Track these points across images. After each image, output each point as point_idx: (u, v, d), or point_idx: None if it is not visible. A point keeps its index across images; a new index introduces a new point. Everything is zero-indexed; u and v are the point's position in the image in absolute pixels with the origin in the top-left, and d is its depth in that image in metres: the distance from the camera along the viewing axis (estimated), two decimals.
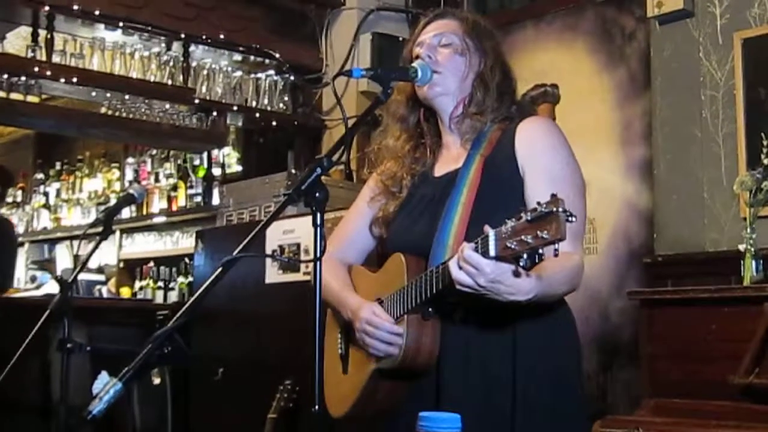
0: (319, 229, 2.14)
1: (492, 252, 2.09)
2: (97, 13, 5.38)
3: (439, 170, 2.71)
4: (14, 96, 5.34)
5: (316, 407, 2.07)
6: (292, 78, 6.21)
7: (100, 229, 3.31)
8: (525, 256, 2.03)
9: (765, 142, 4.24)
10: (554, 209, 1.95)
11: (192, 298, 2.11)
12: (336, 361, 2.78)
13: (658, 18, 4.63)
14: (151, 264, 7.54)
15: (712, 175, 4.41)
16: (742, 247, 3.91)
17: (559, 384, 2.50)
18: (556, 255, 1.99)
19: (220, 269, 2.10)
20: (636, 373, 4.34)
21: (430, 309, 2.45)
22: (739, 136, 4.32)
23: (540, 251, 2.00)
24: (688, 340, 3.78)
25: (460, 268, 2.16)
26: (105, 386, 1.90)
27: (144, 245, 8.02)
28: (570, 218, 1.94)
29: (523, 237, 2.01)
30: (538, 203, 1.99)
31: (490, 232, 2.09)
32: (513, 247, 2.04)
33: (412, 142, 2.78)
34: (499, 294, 2.18)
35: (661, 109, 4.65)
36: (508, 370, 2.46)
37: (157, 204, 7.51)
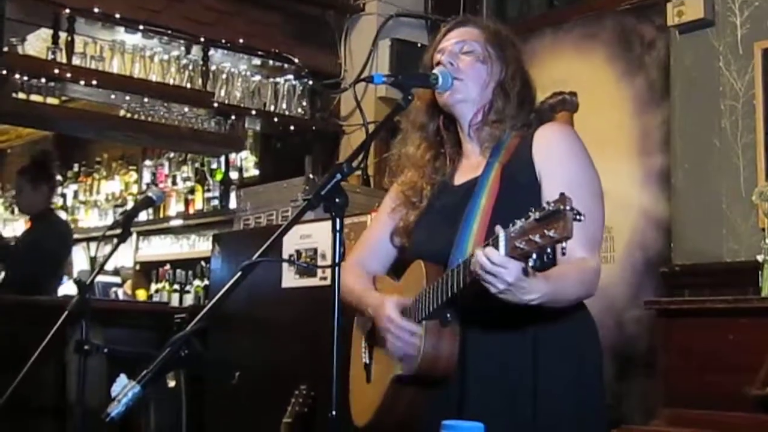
0: (338, 234, 2.14)
1: (502, 252, 2.10)
2: (117, 16, 5.40)
3: (459, 179, 2.71)
4: (34, 98, 5.35)
5: (333, 412, 2.07)
6: (310, 83, 6.22)
7: (118, 231, 3.32)
8: (534, 255, 2.04)
9: None
10: (561, 207, 1.95)
11: (211, 303, 2.12)
12: (361, 370, 2.80)
13: (678, 27, 4.62)
14: (168, 267, 7.56)
15: (730, 185, 4.39)
16: (760, 258, 3.90)
17: (582, 391, 2.50)
18: (563, 254, 2.00)
19: (239, 274, 2.10)
20: (651, 382, 4.33)
21: (448, 315, 2.45)
22: (759, 147, 4.30)
23: (549, 250, 2.01)
24: (704, 351, 3.76)
25: (482, 266, 2.15)
26: (124, 389, 1.91)
27: (160, 248, 8.04)
28: (578, 216, 1.95)
29: (531, 236, 2.02)
30: (547, 202, 2.00)
31: (501, 233, 2.10)
32: (522, 246, 2.05)
33: (432, 151, 2.78)
34: (514, 294, 2.19)
35: (679, 119, 4.63)
36: (529, 378, 2.46)
37: (174, 207, 7.54)
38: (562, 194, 1.98)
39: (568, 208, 1.95)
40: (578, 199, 2.01)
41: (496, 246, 2.11)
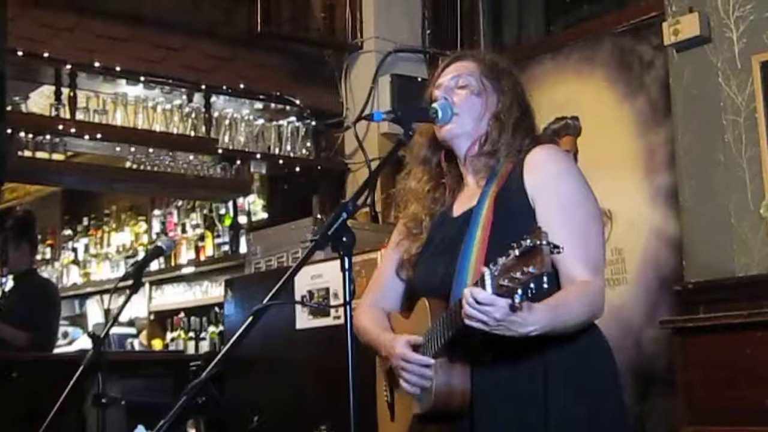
0: (347, 273, 2.15)
1: (489, 291, 2.12)
2: (118, 68, 5.44)
3: (457, 210, 2.72)
4: (40, 155, 5.38)
5: None
6: (313, 123, 6.25)
7: (130, 282, 3.33)
8: (519, 291, 2.05)
9: None
10: (537, 242, 1.97)
11: (224, 348, 2.12)
12: (385, 409, 2.81)
13: (675, 45, 4.63)
14: (182, 314, 7.56)
15: (738, 200, 4.39)
16: None
17: (596, 425, 2.46)
18: (546, 288, 2.02)
19: (251, 318, 2.11)
20: (673, 401, 4.31)
21: (458, 350, 2.46)
22: (764, 159, 4.30)
23: (531, 285, 2.02)
24: (723, 367, 3.75)
25: (470, 306, 2.16)
26: None
27: (173, 296, 8.04)
28: (555, 250, 1.97)
29: (512, 274, 2.04)
30: (523, 237, 2.01)
31: (486, 272, 2.12)
32: (506, 284, 2.07)
33: (432, 182, 2.79)
34: (512, 329, 2.20)
35: (683, 136, 4.64)
36: (541, 412, 2.44)
37: (185, 254, 7.54)
38: (538, 228, 2.00)
39: (544, 243, 1.96)
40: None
41: (483, 285, 2.13)
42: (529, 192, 2.54)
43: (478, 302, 2.14)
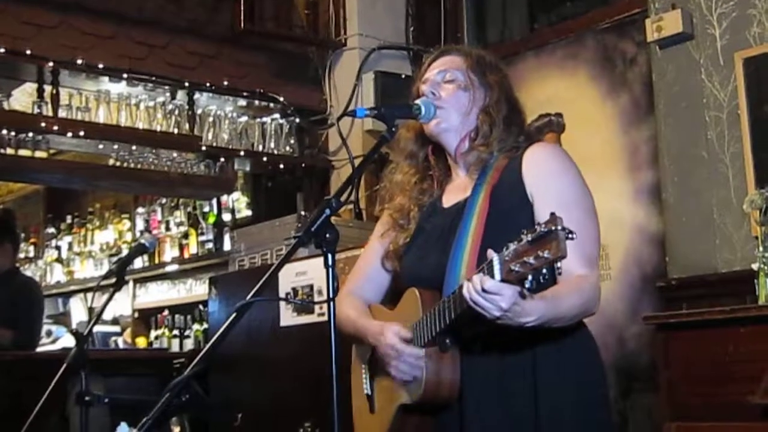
0: (330, 269, 2.15)
1: (497, 276, 2.09)
2: (101, 66, 5.43)
3: (448, 201, 2.71)
4: (22, 152, 5.37)
5: None
6: (297, 120, 6.24)
7: (113, 280, 3.32)
8: (530, 277, 2.03)
9: None
10: (553, 228, 1.96)
11: (207, 345, 2.11)
12: (363, 401, 2.78)
13: (658, 42, 4.63)
14: (166, 312, 7.54)
15: (721, 196, 4.40)
16: (755, 266, 3.90)
17: (584, 418, 2.48)
18: (559, 273, 2.00)
19: (234, 315, 2.10)
20: (656, 398, 4.32)
21: (447, 341, 2.45)
22: (746, 155, 4.31)
23: (544, 271, 2.00)
24: (706, 363, 3.76)
25: (477, 293, 2.14)
26: None
27: (158, 294, 8.03)
28: (570, 235, 1.95)
29: (525, 259, 2.01)
30: (538, 224, 2.00)
31: (494, 257, 2.09)
32: (518, 269, 2.04)
33: (419, 175, 2.79)
34: (513, 318, 2.18)
35: (666, 133, 4.65)
36: (530, 405, 2.44)
37: (169, 252, 7.53)
38: (552, 214, 1.98)
39: (560, 228, 1.95)
40: (572, 217, 2.01)
41: (490, 271, 2.10)
42: (527, 187, 2.55)
43: (484, 290, 2.12)
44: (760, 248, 3.89)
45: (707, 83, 4.50)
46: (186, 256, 7.37)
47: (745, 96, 4.34)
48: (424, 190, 2.77)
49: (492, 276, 2.10)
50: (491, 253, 2.11)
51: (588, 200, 2.57)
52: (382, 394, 2.69)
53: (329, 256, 2.17)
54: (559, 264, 1.98)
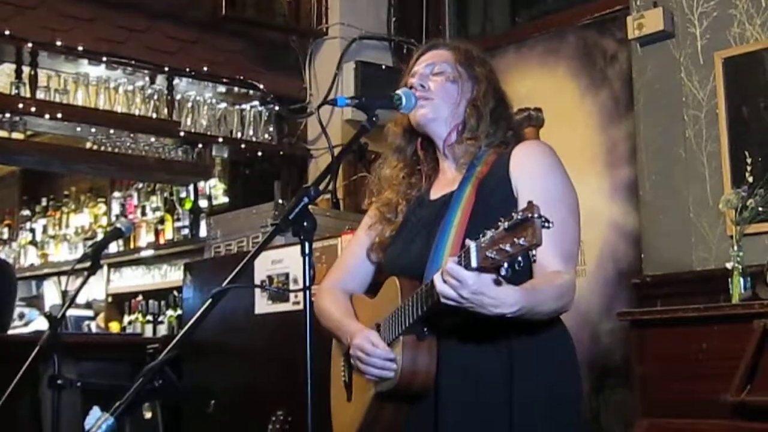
0: (307, 258, 2.15)
1: (474, 263, 2.10)
2: (80, 48, 5.39)
3: (435, 193, 2.73)
4: None
5: None
6: (276, 108, 6.22)
7: (87, 264, 3.30)
8: (506, 264, 2.04)
9: (749, 160, 4.25)
10: (529, 215, 1.97)
11: (182, 331, 2.11)
12: (341, 389, 2.81)
13: (638, 40, 4.65)
14: (140, 298, 7.52)
15: (697, 195, 4.42)
16: (729, 265, 3.92)
17: (558, 411, 2.50)
18: (534, 261, 2.02)
19: (209, 301, 2.10)
20: (628, 394, 4.34)
21: (425, 329, 2.46)
22: (723, 155, 4.33)
23: (519, 259, 2.01)
24: (679, 360, 3.78)
25: (444, 281, 2.17)
26: (97, 421, 1.90)
27: (132, 279, 8.00)
28: (546, 224, 1.96)
29: (501, 246, 2.02)
30: (515, 211, 2.01)
31: (471, 244, 2.10)
32: (493, 256, 2.05)
33: (407, 169, 2.81)
34: (484, 306, 2.18)
35: (644, 131, 4.66)
36: (505, 394, 2.46)
37: (145, 237, 7.50)
38: (530, 202, 1.99)
39: (536, 215, 1.96)
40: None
41: (467, 257, 2.11)
42: (513, 182, 2.57)
43: (454, 277, 2.13)
44: (735, 247, 3.91)
45: (687, 82, 4.52)
46: (161, 241, 7.34)
47: (724, 96, 4.37)
48: (413, 184, 2.80)
49: (469, 263, 2.11)
50: (469, 241, 2.12)
51: (573, 200, 2.60)
52: (359, 383, 2.70)
53: (306, 244, 2.17)
54: (534, 252, 1.99)
